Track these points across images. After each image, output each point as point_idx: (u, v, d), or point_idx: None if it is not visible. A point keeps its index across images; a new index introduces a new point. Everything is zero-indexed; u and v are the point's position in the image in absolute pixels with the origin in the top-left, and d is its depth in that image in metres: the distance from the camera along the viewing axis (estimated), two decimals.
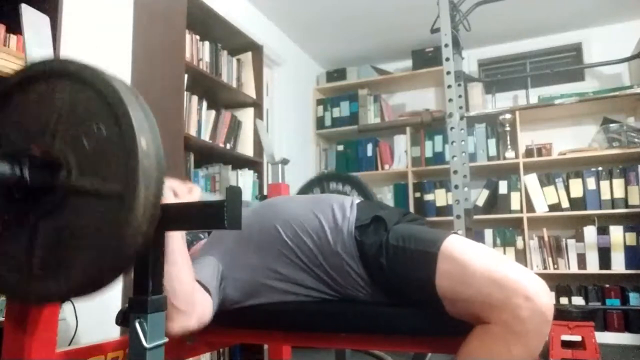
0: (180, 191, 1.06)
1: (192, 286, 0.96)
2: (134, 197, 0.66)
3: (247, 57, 2.79)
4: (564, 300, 3.21)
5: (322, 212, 1.07)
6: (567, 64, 3.80)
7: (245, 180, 2.61)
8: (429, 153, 3.75)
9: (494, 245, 3.41)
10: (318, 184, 2.04)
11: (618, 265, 3.09)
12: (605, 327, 3.09)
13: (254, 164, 2.68)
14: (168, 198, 1.01)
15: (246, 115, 2.73)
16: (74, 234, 0.71)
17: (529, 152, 3.44)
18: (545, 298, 0.82)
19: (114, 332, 1.78)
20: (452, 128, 2.39)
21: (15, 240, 0.75)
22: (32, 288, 0.73)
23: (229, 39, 2.63)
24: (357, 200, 1.13)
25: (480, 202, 3.50)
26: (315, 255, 1.03)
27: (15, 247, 0.74)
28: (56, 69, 0.75)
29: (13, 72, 0.80)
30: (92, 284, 0.71)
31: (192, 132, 2.32)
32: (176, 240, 0.94)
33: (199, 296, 0.98)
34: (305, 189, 2.06)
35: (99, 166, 0.70)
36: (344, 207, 1.08)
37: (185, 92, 2.20)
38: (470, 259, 0.89)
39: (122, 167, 0.67)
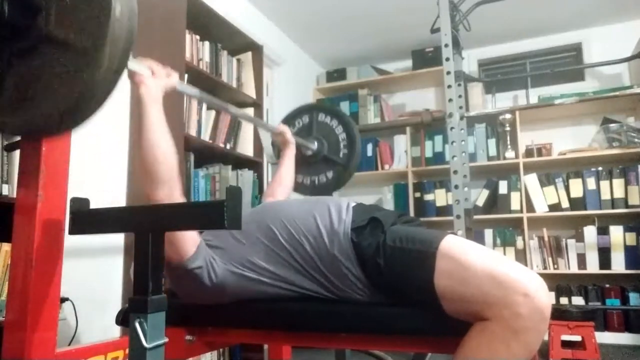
0: (157, 71, 1.09)
1: (173, 155, 1.02)
2: (99, 55, 0.73)
3: (247, 57, 2.79)
4: (564, 300, 3.21)
5: (319, 214, 1.07)
6: (567, 64, 3.80)
7: (245, 180, 2.61)
8: (429, 153, 3.75)
9: (494, 245, 3.41)
10: (307, 112, 2.07)
11: (618, 265, 3.09)
12: (605, 327, 3.09)
13: (254, 164, 2.68)
14: (145, 76, 1.05)
15: None
16: (42, 77, 0.78)
17: (529, 152, 3.44)
18: (544, 296, 0.83)
19: (114, 332, 1.78)
20: (452, 128, 2.39)
21: None
22: (4, 120, 0.81)
23: (229, 39, 2.63)
24: (353, 203, 1.13)
25: (480, 202, 3.50)
26: (312, 258, 1.03)
27: None
28: None
29: None
30: (51, 126, 0.79)
31: (192, 132, 2.32)
32: (154, 111, 1.02)
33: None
34: (295, 115, 2.09)
35: (75, 19, 0.76)
36: (340, 209, 1.08)
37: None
38: (469, 258, 0.89)
39: (94, 24, 0.74)
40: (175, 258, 1.00)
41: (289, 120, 2.05)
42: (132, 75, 1.05)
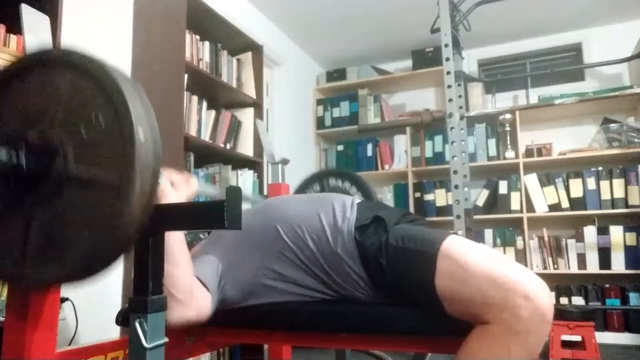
0: (177, 181, 1.07)
1: (190, 276, 0.97)
2: (130, 187, 0.66)
3: (247, 57, 2.79)
4: (564, 300, 3.21)
5: (323, 212, 1.07)
6: (567, 64, 3.80)
7: (245, 180, 2.61)
8: (429, 153, 3.75)
9: (494, 245, 3.41)
10: (317, 180, 2.05)
11: (618, 265, 3.09)
12: (605, 327, 3.09)
13: (254, 164, 2.68)
14: (165, 189, 1.02)
15: (246, 115, 2.73)
16: (69, 222, 0.71)
17: (529, 152, 3.44)
18: (545, 298, 0.82)
19: (114, 332, 1.78)
20: (452, 128, 2.39)
21: (10, 227, 0.75)
22: (27, 273, 0.74)
23: (229, 39, 2.63)
24: (358, 200, 1.13)
25: (480, 202, 3.50)
26: (316, 256, 1.03)
27: (10, 233, 0.75)
28: (57, 58, 0.76)
29: (14, 60, 0.81)
30: (85, 272, 0.72)
31: (192, 132, 2.32)
32: (174, 238, 0.95)
33: (198, 291, 0.99)
34: (305, 186, 2.07)
35: (96, 155, 0.70)
36: (345, 207, 1.08)
37: (185, 92, 2.20)
38: (470, 259, 0.89)
39: (118, 157, 0.68)
40: (197, 321, 1.00)
41: (299, 192, 2.03)
42: None
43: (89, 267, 0.70)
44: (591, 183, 3.22)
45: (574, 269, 3.21)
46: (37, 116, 0.75)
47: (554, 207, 3.29)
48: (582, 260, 3.19)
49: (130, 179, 0.66)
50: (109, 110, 0.69)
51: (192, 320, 0.97)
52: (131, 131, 0.67)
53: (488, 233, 3.46)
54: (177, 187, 1.06)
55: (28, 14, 1.51)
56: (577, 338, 2.53)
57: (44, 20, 1.56)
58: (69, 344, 1.74)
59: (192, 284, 0.97)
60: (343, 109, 4.04)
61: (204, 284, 1.01)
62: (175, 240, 0.95)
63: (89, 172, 0.70)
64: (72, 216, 0.71)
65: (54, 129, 0.73)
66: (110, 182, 0.68)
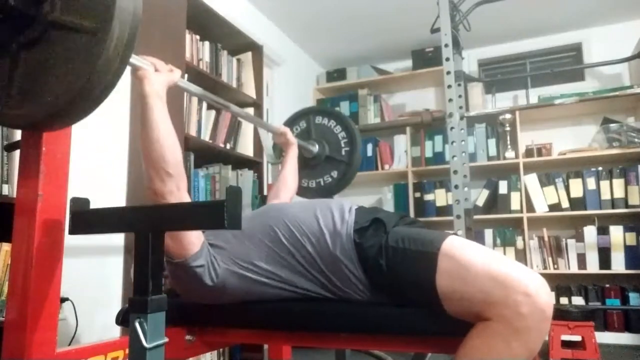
0: (160, 67, 1.10)
1: (179, 151, 1.02)
2: (107, 32, 0.73)
3: (247, 57, 2.79)
4: (564, 300, 3.21)
5: (321, 215, 1.07)
6: (567, 64, 3.80)
7: (245, 180, 2.61)
8: (429, 153, 3.75)
9: (494, 245, 3.41)
10: (304, 117, 2.09)
11: (618, 265, 3.09)
12: (605, 327, 3.09)
13: (254, 164, 2.68)
14: (149, 70, 1.06)
15: None
16: (52, 64, 0.77)
17: (529, 152, 3.44)
18: (545, 295, 0.83)
19: (114, 332, 1.78)
20: (452, 128, 2.39)
21: None
22: (12, 110, 0.80)
23: (229, 39, 2.63)
24: (355, 206, 1.13)
25: (480, 202, 3.50)
26: (314, 259, 1.04)
27: None
28: None
29: None
30: (66, 109, 0.78)
31: (192, 132, 2.32)
32: (158, 106, 1.02)
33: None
34: (292, 121, 2.10)
35: (81, 3, 0.76)
36: (343, 211, 1.08)
37: (185, 92, 2.20)
38: (470, 258, 0.89)
39: (100, 5, 0.75)
40: (178, 254, 1.00)
41: (288, 125, 2.07)
42: (135, 70, 1.06)
43: (70, 104, 0.76)
44: (591, 183, 3.22)
45: (574, 269, 3.21)
46: None
47: (554, 207, 3.29)
48: (582, 260, 3.19)
49: (109, 24, 0.73)
50: None
51: (177, 196, 1.00)
52: None
53: (488, 233, 3.45)
54: (160, 71, 1.09)
55: None
56: (577, 338, 2.53)
57: None
58: (69, 344, 1.74)
59: (181, 155, 1.03)
60: (343, 109, 4.04)
61: None
62: (159, 107, 1.02)
63: (73, 19, 0.76)
64: (55, 59, 0.77)
65: None
66: (91, 28, 0.74)
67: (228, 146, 2.57)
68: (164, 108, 1.05)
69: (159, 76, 1.08)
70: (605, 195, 3.18)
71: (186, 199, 1.04)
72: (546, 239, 3.30)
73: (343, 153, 2.01)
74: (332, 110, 2.23)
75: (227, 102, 1.54)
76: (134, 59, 1.03)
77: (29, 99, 0.79)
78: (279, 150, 1.97)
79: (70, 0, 0.77)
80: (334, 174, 2.02)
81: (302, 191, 1.97)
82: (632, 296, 3.08)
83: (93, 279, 1.98)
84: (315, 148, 2.01)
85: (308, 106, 3.53)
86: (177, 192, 1.00)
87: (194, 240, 1.02)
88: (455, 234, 1.53)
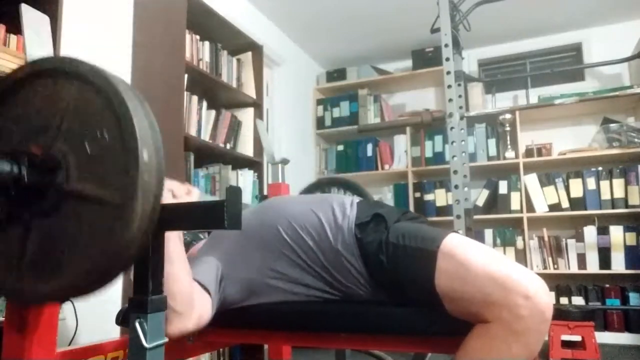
0: (178, 193, 1.06)
1: (190, 287, 0.95)
2: (131, 208, 0.65)
3: (247, 57, 2.79)
4: (564, 300, 3.21)
5: (322, 210, 1.07)
6: (567, 64, 3.80)
7: (245, 180, 2.61)
8: (429, 153, 3.75)
9: (494, 245, 3.41)
10: (317, 189, 2.06)
11: (618, 265, 3.09)
12: (605, 327, 3.09)
13: (254, 164, 2.68)
14: (166, 200, 0.99)
15: (246, 115, 2.73)
16: (68, 237, 0.70)
17: (529, 152, 3.44)
18: (544, 297, 0.83)
19: (114, 332, 1.78)
20: (452, 128, 2.39)
21: (8, 239, 0.74)
22: (22, 287, 0.72)
23: (229, 39, 2.63)
24: (357, 199, 1.13)
25: (480, 202, 3.50)
26: (316, 254, 1.03)
27: (7, 245, 0.74)
28: (65, 68, 0.74)
29: (20, 66, 0.78)
30: (81, 289, 0.70)
31: (192, 132, 2.32)
32: (173, 240, 0.93)
33: (197, 297, 0.97)
34: (306, 193, 2.08)
35: (99, 172, 0.69)
36: (344, 205, 1.08)
37: (185, 92, 2.20)
38: (470, 258, 0.89)
39: (121, 177, 0.66)
40: (197, 329, 0.97)
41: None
42: None
43: (85, 284, 0.69)
44: (591, 183, 3.22)
45: (574, 269, 3.21)
46: (41, 127, 0.73)
47: (554, 207, 3.29)
48: (582, 260, 3.19)
49: (132, 199, 0.65)
50: (114, 127, 0.67)
51: (192, 330, 0.95)
52: (135, 150, 0.65)
53: (488, 233, 3.46)
54: (178, 198, 1.05)
55: (28, 14, 1.51)
56: (577, 338, 2.53)
57: (44, 20, 1.56)
58: (69, 344, 1.73)
59: (191, 291, 0.95)
60: (343, 109, 4.04)
61: (204, 287, 1.00)
62: (172, 247, 0.92)
63: (91, 189, 0.69)
64: (71, 232, 0.70)
65: (57, 142, 0.71)
66: (112, 200, 0.67)
67: (228, 146, 2.57)
68: (180, 242, 0.98)
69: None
70: (605, 195, 3.18)
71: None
72: (546, 239, 3.30)
73: None
74: (345, 180, 2.15)
75: None
76: None
77: (41, 276, 0.71)
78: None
79: (87, 168, 0.69)
80: None
81: None
82: (632, 296, 3.08)
83: None
84: None
85: (305, 111, 3.51)
86: (184, 331, 0.93)
87: (207, 315, 0.98)
88: (456, 231, 1.53)
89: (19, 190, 0.71)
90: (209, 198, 1.28)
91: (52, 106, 0.73)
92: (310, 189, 2.02)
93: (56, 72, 0.74)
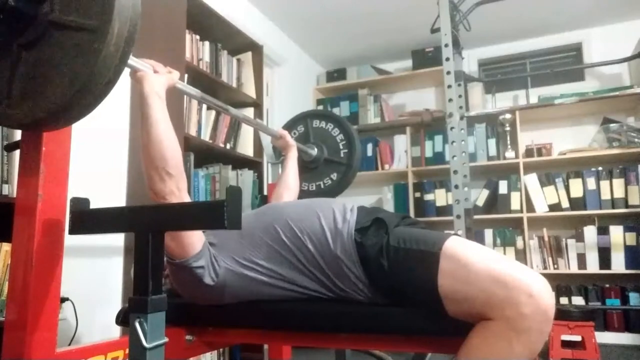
0: (159, 68, 1.12)
1: (179, 152, 1.02)
2: (107, 29, 0.74)
3: (247, 57, 2.79)
4: (564, 300, 3.21)
5: (323, 215, 1.07)
6: (567, 64, 3.80)
7: (245, 180, 2.61)
8: (429, 153, 3.75)
9: (494, 245, 3.41)
10: (301, 121, 2.10)
11: (618, 265, 3.09)
12: (605, 327, 3.09)
13: (254, 164, 2.68)
14: (148, 72, 1.08)
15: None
16: (53, 63, 0.78)
17: (529, 152, 3.44)
18: (547, 296, 0.83)
19: (114, 332, 1.78)
20: (452, 128, 2.39)
21: None
22: (13, 112, 0.81)
23: (229, 39, 2.63)
24: (357, 205, 1.13)
25: (480, 202, 3.50)
26: (315, 258, 1.04)
27: None
28: None
29: None
30: (68, 107, 0.78)
31: (192, 132, 2.32)
32: (158, 106, 1.03)
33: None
34: (289, 127, 2.12)
35: (79, 2, 0.77)
36: (345, 210, 1.08)
37: None
38: (472, 258, 0.89)
39: (99, 3, 0.75)
40: (179, 254, 1.00)
41: (286, 129, 2.07)
42: (134, 71, 1.06)
43: (71, 102, 0.77)
44: (591, 183, 3.22)
45: (574, 269, 3.21)
46: None
47: (554, 207, 3.29)
48: (582, 260, 3.19)
49: (109, 19, 0.74)
50: None
51: (177, 198, 1.00)
52: None
53: (488, 233, 3.45)
54: (160, 73, 1.11)
55: None
56: (577, 338, 2.53)
57: None
58: (69, 344, 1.74)
59: (180, 157, 1.03)
60: (343, 109, 4.04)
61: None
62: (157, 111, 1.02)
63: (73, 18, 0.77)
64: (55, 58, 0.78)
65: None
66: (91, 26, 0.75)
67: (228, 146, 2.57)
68: (163, 107, 1.06)
69: (158, 77, 1.09)
70: (605, 195, 3.18)
71: (186, 199, 1.04)
72: (546, 239, 3.30)
73: (342, 155, 2.02)
74: (329, 113, 2.25)
75: (225, 104, 1.55)
76: (133, 60, 1.03)
77: (31, 98, 0.79)
78: (279, 152, 1.98)
79: (70, 1, 0.78)
80: (334, 176, 2.03)
81: (302, 194, 1.98)
82: (632, 296, 3.08)
83: (93, 279, 1.98)
84: (314, 151, 2.02)
85: (306, 110, 3.54)
86: (178, 192, 1.00)
87: (195, 240, 1.02)
88: (456, 234, 1.53)
89: (5, 17, 0.79)
90: (189, 87, 1.32)
91: None
92: (297, 122, 2.07)
93: None
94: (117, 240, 2.10)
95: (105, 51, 0.74)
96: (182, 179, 1.01)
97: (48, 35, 0.79)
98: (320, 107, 4.12)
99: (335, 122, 2.07)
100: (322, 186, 2.03)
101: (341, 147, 2.03)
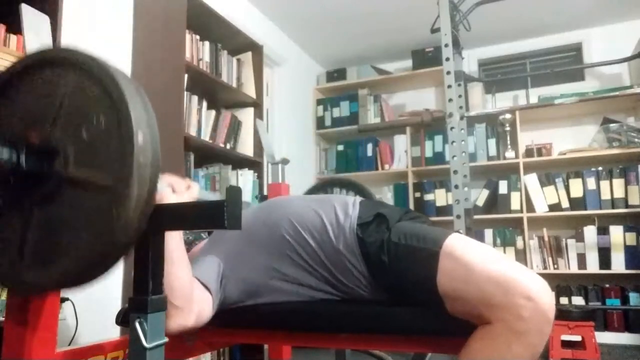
0: (178, 188, 1.05)
1: (190, 284, 0.95)
2: (127, 190, 0.66)
3: (247, 57, 2.79)
4: (564, 300, 3.21)
5: (324, 210, 1.07)
6: (567, 64, 3.80)
7: (245, 180, 2.61)
8: (429, 153, 3.75)
9: (494, 245, 3.41)
10: (321, 189, 2.06)
11: (618, 265, 3.09)
12: (605, 327, 3.09)
13: (254, 164, 2.68)
14: (166, 194, 1.01)
15: (246, 115, 2.73)
16: (67, 223, 0.71)
17: (529, 152, 3.44)
18: (547, 298, 0.82)
19: (114, 332, 1.78)
20: (452, 128, 2.39)
21: (9, 227, 0.75)
22: (23, 275, 0.73)
23: (229, 39, 2.63)
24: (360, 199, 1.13)
25: (480, 202, 3.50)
26: (317, 254, 1.03)
27: (8, 233, 0.75)
28: (62, 58, 0.75)
29: (20, 58, 0.80)
30: (81, 276, 0.71)
31: (192, 132, 2.32)
32: (173, 239, 0.93)
33: (198, 294, 0.97)
34: (310, 193, 2.08)
35: (96, 158, 0.70)
36: (347, 205, 1.08)
37: (185, 92, 2.20)
38: (472, 258, 0.89)
39: (117, 161, 0.67)
40: (197, 326, 0.97)
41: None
42: None
43: (86, 270, 0.70)
44: (591, 183, 3.22)
45: (574, 269, 3.21)
46: (39, 116, 0.74)
47: (554, 207, 3.29)
48: (582, 260, 3.19)
49: (127, 182, 0.66)
50: (110, 112, 0.68)
51: (192, 326, 0.95)
52: (130, 133, 0.66)
53: (488, 233, 3.45)
54: (178, 193, 1.04)
55: (28, 13, 1.51)
56: (577, 338, 2.53)
57: (44, 20, 1.56)
58: (69, 344, 1.74)
59: (191, 287, 0.96)
60: (343, 109, 4.04)
61: (205, 286, 1.00)
62: (173, 246, 0.92)
63: (88, 174, 0.70)
64: (70, 218, 0.71)
65: (55, 129, 0.73)
66: (108, 184, 0.68)
67: (228, 146, 2.57)
68: (180, 237, 0.98)
69: (177, 198, 1.03)
70: (605, 195, 3.18)
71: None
72: (546, 239, 3.30)
73: None
74: (351, 180, 2.14)
75: None
76: None
77: (40, 263, 0.72)
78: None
79: (85, 154, 0.71)
80: None
81: None
82: (632, 296, 3.08)
83: None
84: None
85: (306, 109, 3.51)
86: (184, 327, 0.93)
87: (205, 307, 0.98)
88: (458, 231, 1.53)
89: (17, 177, 0.72)
90: (209, 194, 1.29)
91: (50, 94, 0.74)
92: (313, 191, 2.02)
93: (55, 61, 0.76)
94: None
95: (123, 216, 0.66)
96: (189, 313, 0.94)
97: (62, 193, 0.72)
98: (320, 107, 4.12)
99: (355, 190, 2.01)
100: None
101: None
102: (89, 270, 0.70)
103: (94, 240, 0.68)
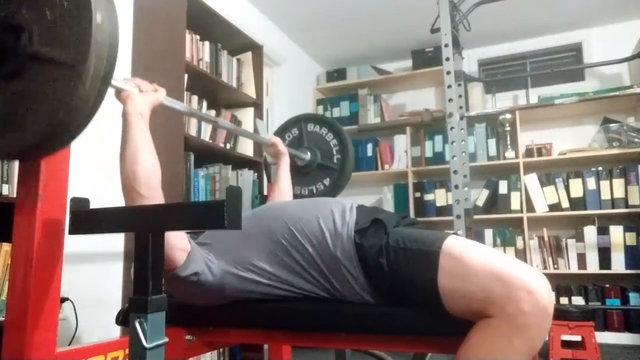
0: (145, 87, 1.11)
1: (154, 173, 1.00)
2: (84, 67, 0.73)
3: (247, 57, 2.79)
4: (564, 300, 3.21)
5: (322, 216, 1.07)
6: (567, 64, 3.80)
7: (245, 180, 2.61)
8: (429, 153, 3.75)
9: (494, 245, 3.41)
10: (295, 124, 2.10)
11: (618, 265, 3.09)
12: (605, 327, 3.09)
13: (254, 164, 2.68)
14: (133, 93, 1.07)
15: (246, 115, 2.73)
16: (30, 97, 0.79)
17: (529, 152, 3.44)
18: (546, 292, 0.84)
19: (114, 332, 1.78)
20: (452, 128, 2.39)
21: None
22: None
23: (229, 39, 2.63)
24: (356, 204, 1.13)
25: (480, 202, 3.50)
26: (314, 260, 1.03)
27: None
28: None
29: None
30: (43, 144, 0.80)
31: (192, 132, 2.32)
32: (134, 127, 1.01)
33: (182, 237, 1.01)
34: (283, 129, 2.12)
35: (58, 36, 0.77)
36: (344, 211, 1.08)
37: (185, 92, 2.20)
38: (472, 256, 0.90)
39: (77, 39, 0.75)
40: (166, 268, 0.98)
41: (278, 134, 2.07)
42: (119, 92, 1.06)
43: (46, 137, 0.78)
44: (591, 183, 3.22)
45: (574, 269, 3.21)
46: None
47: (554, 207, 3.29)
48: (582, 260, 3.19)
49: (85, 57, 0.73)
50: None
51: None
52: (89, 14, 0.73)
53: (488, 233, 3.45)
54: (145, 92, 1.10)
55: None
56: (577, 338, 2.53)
57: None
58: (69, 344, 1.74)
59: (157, 179, 1.00)
60: (343, 109, 4.04)
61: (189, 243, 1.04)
62: (135, 132, 1.00)
63: (50, 51, 0.77)
64: (32, 92, 0.79)
65: (21, 8, 0.80)
66: (68, 60, 0.75)
67: (228, 146, 2.57)
68: (144, 127, 1.04)
69: (142, 96, 1.08)
70: (605, 195, 3.18)
71: None
72: (546, 239, 3.30)
73: (335, 160, 2.01)
74: (324, 117, 2.24)
75: (214, 117, 1.53)
76: (117, 81, 1.02)
77: (10, 130, 0.80)
78: (270, 166, 1.97)
79: (48, 32, 0.78)
80: (326, 181, 2.01)
81: (294, 198, 1.97)
82: (632, 296, 3.08)
83: (93, 279, 1.97)
84: (307, 156, 2.00)
85: (305, 110, 3.55)
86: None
87: (178, 253, 1.00)
88: (456, 233, 1.53)
89: None
90: (176, 103, 1.30)
91: None
92: (288, 125, 2.06)
93: None
94: (117, 241, 2.10)
95: (81, 89, 0.74)
96: (155, 202, 0.98)
97: (27, 68, 0.80)
98: (320, 107, 4.12)
99: (329, 127, 2.06)
100: (315, 191, 2.02)
101: (334, 152, 2.02)
102: (51, 137, 0.78)
103: (54, 111, 0.76)
